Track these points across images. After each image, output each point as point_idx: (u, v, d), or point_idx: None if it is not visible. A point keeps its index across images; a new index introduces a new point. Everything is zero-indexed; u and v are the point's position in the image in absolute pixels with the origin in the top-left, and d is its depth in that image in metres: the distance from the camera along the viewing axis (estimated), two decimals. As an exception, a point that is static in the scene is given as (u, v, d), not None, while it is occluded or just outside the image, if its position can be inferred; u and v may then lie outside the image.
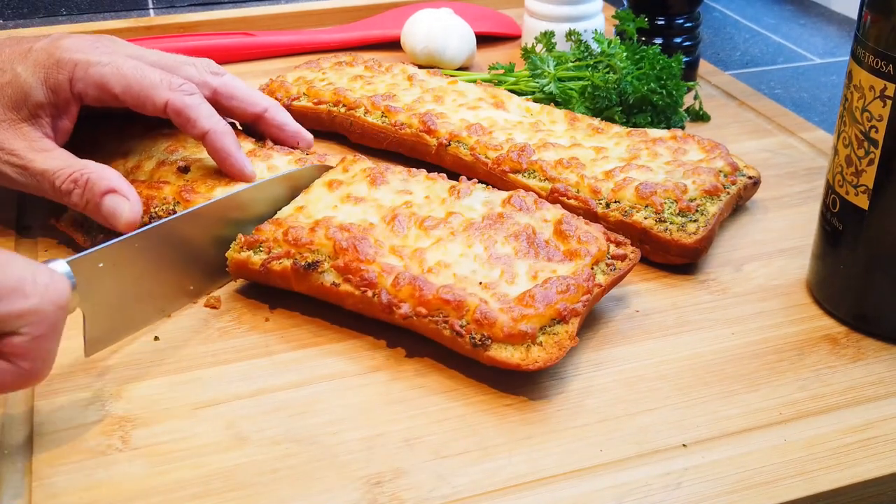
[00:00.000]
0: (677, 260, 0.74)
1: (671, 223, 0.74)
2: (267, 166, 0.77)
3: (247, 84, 0.82)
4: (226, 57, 1.13)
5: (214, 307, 0.70)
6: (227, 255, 0.70)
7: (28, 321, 0.52)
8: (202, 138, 0.73)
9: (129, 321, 0.67)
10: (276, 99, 0.95)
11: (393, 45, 1.17)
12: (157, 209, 0.73)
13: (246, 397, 0.62)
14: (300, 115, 0.95)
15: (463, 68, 1.10)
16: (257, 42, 1.16)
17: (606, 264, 0.68)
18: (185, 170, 0.76)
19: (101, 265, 0.61)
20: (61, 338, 0.55)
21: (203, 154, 0.77)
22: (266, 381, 0.63)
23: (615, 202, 0.76)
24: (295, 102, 0.95)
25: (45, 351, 0.54)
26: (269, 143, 0.81)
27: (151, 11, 1.40)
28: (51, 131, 0.72)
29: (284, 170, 0.77)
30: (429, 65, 1.09)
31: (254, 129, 0.82)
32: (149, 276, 0.67)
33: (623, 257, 0.69)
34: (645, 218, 0.74)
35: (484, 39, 1.18)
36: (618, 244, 0.70)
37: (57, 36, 0.73)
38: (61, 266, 0.58)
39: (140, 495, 0.54)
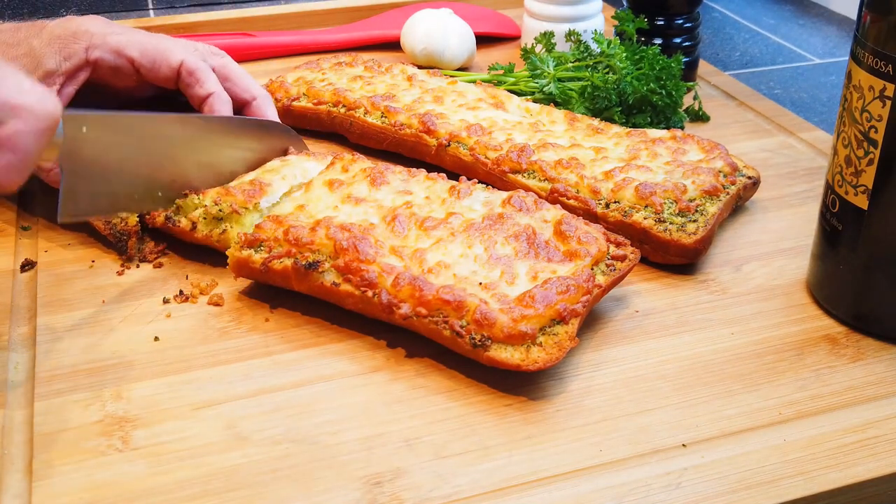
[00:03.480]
0: (677, 260, 0.74)
1: (671, 223, 0.74)
2: (280, 160, 0.80)
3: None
4: (226, 57, 1.14)
5: (218, 304, 0.70)
6: (227, 252, 0.70)
7: (19, 114, 0.55)
8: (205, 99, 0.78)
9: (101, 200, 0.69)
10: (276, 99, 0.95)
11: (393, 45, 1.17)
12: None
13: (246, 397, 0.62)
14: (300, 116, 0.95)
15: (463, 69, 1.10)
16: (257, 42, 1.16)
17: (606, 265, 0.68)
18: None
19: (84, 129, 0.65)
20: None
21: None
22: (266, 381, 0.63)
23: (615, 202, 0.76)
24: (295, 103, 0.95)
25: (24, 147, 0.57)
26: (291, 150, 0.82)
27: (151, 12, 1.40)
28: None
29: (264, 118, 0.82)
30: (428, 65, 1.09)
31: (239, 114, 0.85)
32: (126, 164, 0.70)
33: (623, 258, 0.69)
34: (644, 218, 0.74)
35: (484, 40, 1.19)
36: (618, 245, 0.70)
37: (70, 17, 0.79)
38: None
39: (140, 495, 0.54)
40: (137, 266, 0.75)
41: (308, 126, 0.95)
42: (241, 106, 0.83)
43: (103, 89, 0.81)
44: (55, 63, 0.75)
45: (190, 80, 0.78)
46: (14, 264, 0.76)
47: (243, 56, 1.15)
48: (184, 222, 0.73)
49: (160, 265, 0.75)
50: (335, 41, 1.18)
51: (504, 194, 0.73)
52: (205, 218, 0.73)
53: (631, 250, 0.70)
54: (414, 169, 0.76)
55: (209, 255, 0.75)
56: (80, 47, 0.76)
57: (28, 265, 0.75)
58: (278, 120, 0.84)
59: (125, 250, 0.75)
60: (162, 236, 0.77)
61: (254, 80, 0.85)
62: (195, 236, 0.74)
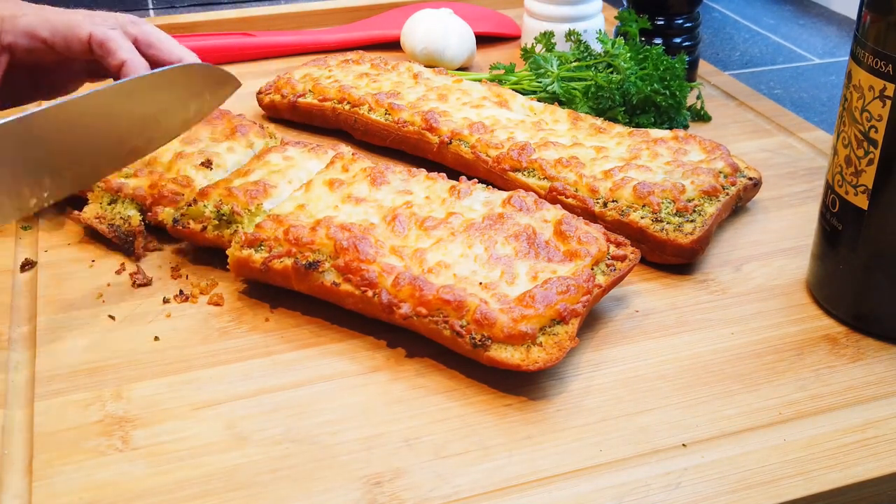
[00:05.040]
0: (673, 260, 0.74)
1: (668, 223, 0.74)
2: (282, 157, 0.79)
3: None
4: (226, 57, 1.13)
5: (218, 304, 0.70)
6: (227, 252, 0.70)
7: None
8: (119, 69, 0.74)
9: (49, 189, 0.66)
10: (282, 96, 0.95)
11: (393, 45, 1.17)
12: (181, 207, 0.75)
13: (246, 397, 0.62)
14: (306, 113, 0.95)
15: (463, 68, 1.10)
16: (257, 42, 1.16)
17: (606, 265, 0.68)
18: (207, 165, 0.77)
19: None
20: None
21: (221, 148, 0.80)
22: (266, 381, 0.63)
23: (613, 201, 0.76)
24: (300, 99, 0.95)
25: None
26: (285, 138, 0.82)
27: (151, 12, 1.40)
28: None
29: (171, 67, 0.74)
30: (429, 65, 1.09)
31: None
32: (56, 155, 0.66)
33: (623, 258, 0.69)
34: (641, 217, 0.74)
35: (484, 40, 1.19)
36: (618, 245, 0.70)
37: None
38: None
39: (140, 495, 0.54)
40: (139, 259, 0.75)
41: (314, 123, 0.95)
42: None
43: (44, 70, 0.79)
44: None
45: (101, 52, 0.75)
46: (14, 264, 0.76)
47: (243, 56, 1.15)
48: (193, 224, 0.73)
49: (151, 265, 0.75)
50: (335, 41, 1.18)
51: (504, 194, 0.73)
52: (217, 221, 0.73)
53: (631, 250, 0.70)
54: (414, 169, 0.76)
55: (209, 255, 0.75)
56: None
57: (28, 265, 0.75)
58: (198, 60, 0.78)
59: (132, 251, 0.75)
60: (165, 234, 0.77)
61: (179, 44, 0.80)
62: (206, 237, 0.73)
